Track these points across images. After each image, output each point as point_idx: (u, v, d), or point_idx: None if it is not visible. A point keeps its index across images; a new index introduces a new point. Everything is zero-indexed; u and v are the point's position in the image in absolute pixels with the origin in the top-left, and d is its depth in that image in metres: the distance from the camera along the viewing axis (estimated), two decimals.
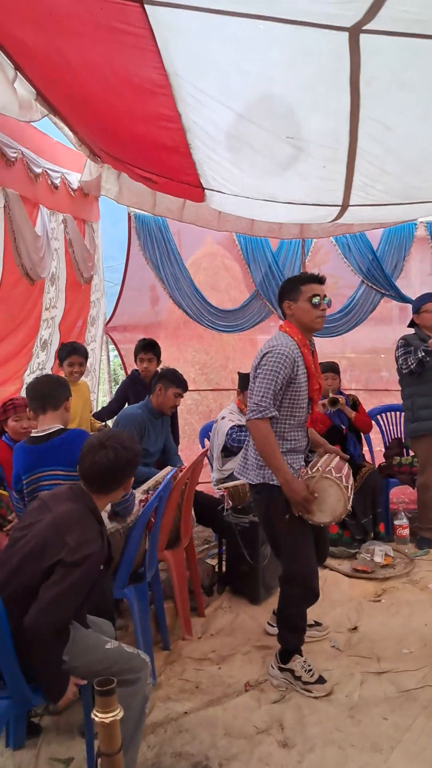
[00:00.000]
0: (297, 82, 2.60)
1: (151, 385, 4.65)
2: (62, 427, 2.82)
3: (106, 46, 2.43)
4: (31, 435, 2.80)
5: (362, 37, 2.26)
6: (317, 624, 3.69)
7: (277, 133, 2.95)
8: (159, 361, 5.22)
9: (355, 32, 2.24)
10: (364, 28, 2.20)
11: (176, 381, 4.43)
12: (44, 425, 2.79)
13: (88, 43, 2.46)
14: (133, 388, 5.28)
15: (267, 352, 3.09)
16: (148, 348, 5.17)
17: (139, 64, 2.50)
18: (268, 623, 3.76)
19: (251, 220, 5.66)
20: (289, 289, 3.21)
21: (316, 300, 3.13)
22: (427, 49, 2.31)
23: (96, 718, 1.72)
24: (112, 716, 1.72)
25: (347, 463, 3.24)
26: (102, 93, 2.85)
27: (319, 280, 3.21)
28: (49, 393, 2.83)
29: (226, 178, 3.50)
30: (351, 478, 3.18)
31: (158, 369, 5.09)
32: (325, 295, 3.18)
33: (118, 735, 1.75)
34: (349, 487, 3.05)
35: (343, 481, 3.00)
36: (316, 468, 3.05)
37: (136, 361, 5.25)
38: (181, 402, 4.57)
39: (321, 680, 3.13)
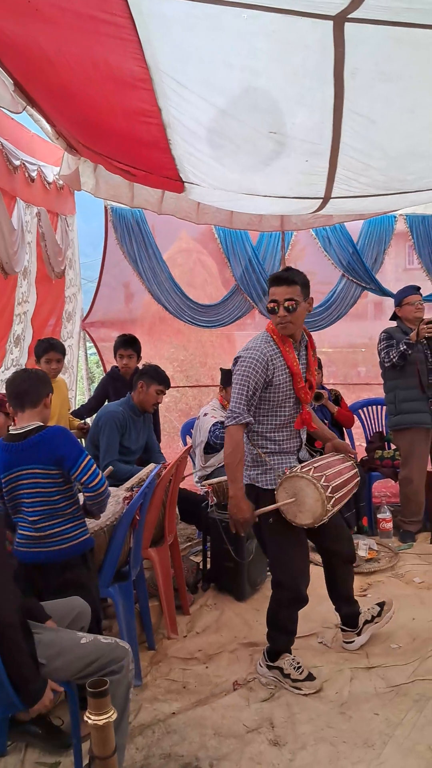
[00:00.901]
0: (281, 74, 2.57)
1: (131, 382, 4.60)
2: (41, 424, 2.76)
3: (86, 36, 2.37)
4: (10, 432, 2.73)
5: (347, 26, 2.23)
6: (381, 607, 3.51)
7: (259, 128, 2.91)
8: (139, 358, 5.16)
9: (340, 21, 2.21)
10: (350, 16, 2.17)
11: (158, 378, 4.38)
12: (23, 422, 2.73)
13: (68, 34, 2.39)
14: (112, 384, 5.21)
15: (238, 357, 3.07)
16: (128, 344, 5.11)
17: (120, 56, 2.45)
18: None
19: (230, 213, 5.61)
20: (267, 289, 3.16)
21: (272, 306, 3.03)
22: (411, 39, 2.29)
23: (89, 721, 1.68)
24: (106, 718, 1.68)
25: (353, 463, 3.18)
26: (81, 86, 2.78)
27: (279, 280, 3.04)
28: (29, 389, 2.76)
29: (207, 173, 3.46)
30: (349, 481, 3.11)
31: (138, 366, 5.04)
32: (288, 299, 2.99)
33: (112, 737, 1.71)
34: (332, 487, 2.93)
35: (321, 480, 2.89)
36: (302, 467, 3.01)
37: (115, 357, 5.18)
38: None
39: (310, 677, 3.11)
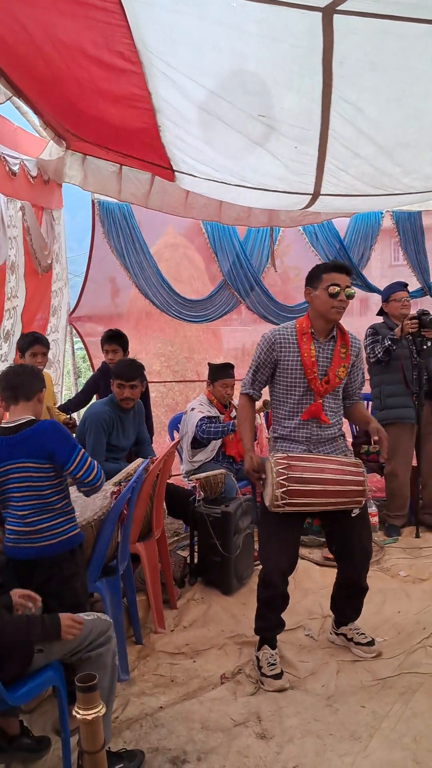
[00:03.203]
0: (270, 59, 2.56)
1: None
2: (33, 418, 2.74)
3: (75, 21, 2.34)
4: (1, 426, 2.71)
5: (336, 17, 2.23)
6: (371, 643, 3.40)
7: (249, 110, 2.90)
8: (126, 353, 5.11)
9: (328, 12, 2.21)
10: (338, 8, 2.17)
11: (115, 371, 4.25)
12: (15, 416, 2.71)
13: (56, 18, 2.37)
14: (103, 380, 5.19)
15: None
16: (114, 339, 5.07)
17: (109, 41, 2.43)
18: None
19: (219, 207, 5.59)
20: (312, 276, 3.19)
21: (334, 290, 3.07)
22: (399, 31, 2.30)
23: (78, 715, 1.67)
24: (95, 713, 1.68)
25: (363, 471, 3.12)
26: (69, 72, 2.75)
27: (344, 269, 3.16)
28: (23, 383, 2.75)
29: (197, 158, 3.43)
30: (332, 483, 3.00)
31: None
32: (348, 286, 3.10)
33: (102, 732, 1.71)
34: (293, 477, 2.93)
35: (281, 467, 2.95)
36: (279, 454, 3.07)
37: (103, 352, 5.15)
38: (139, 393, 4.29)
39: (278, 677, 3.10)
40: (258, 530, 3.30)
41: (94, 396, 5.31)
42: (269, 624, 3.24)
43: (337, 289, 3.07)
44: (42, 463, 2.67)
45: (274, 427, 3.29)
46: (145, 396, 5.09)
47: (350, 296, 3.13)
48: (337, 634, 3.47)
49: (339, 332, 3.23)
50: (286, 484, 2.94)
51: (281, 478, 2.94)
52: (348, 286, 3.11)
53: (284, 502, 2.95)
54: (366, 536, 3.26)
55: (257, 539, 3.35)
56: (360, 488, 3.07)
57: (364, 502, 3.11)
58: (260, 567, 3.21)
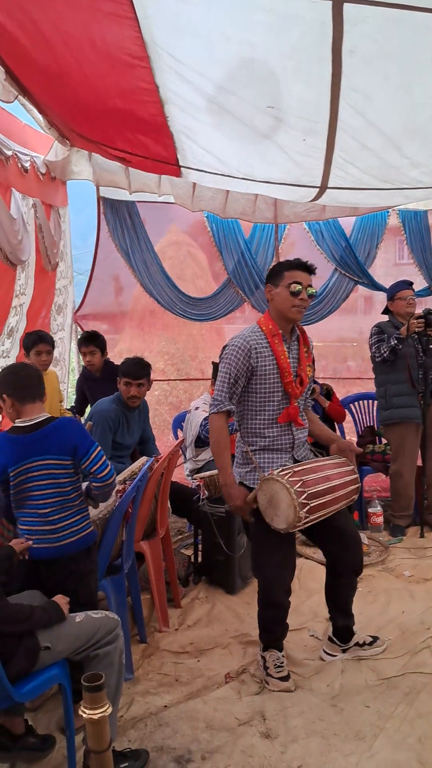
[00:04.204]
0: (278, 48, 2.55)
1: (102, 378, 4.61)
2: (50, 415, 2.77)
3: (83, 13, 2.34)
4: (16, 425, 2.72)
5: (346, 6, 2.23)
6: (375, 640, 3.35)
7: (257, 102, 2.89)
8: (104, 353, 5.09)
9: (338, 1, 2.21)
10: None
11: (123, 369, 4.25)
12: (29, 415, 2.72)
13: (66, 12, 2.36)
14: (85, 384, 5.21)
15: (224, 346, 3.09)
16: (88, 341, 5.05)
17: (117, 35, 2.42)
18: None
19: (225, 199, 5.57)
20: (274, 273, 3.10)
21: (296, 288, 2.99)
22: (410, 20, 2.29)
23: (84, 715, 1.67)
24: (101, 712, 1.67)
25: (353, 469, 3.07)
26: (78, 66, 2.75)
27: (307, 268, 3.05)
28: (35, 383, 2.79)
29: (206, 148, 3.41)
30: (339, 488, 2.93)
31: (107, 359, 5.10)
32: (310, 285, 3.02)
33: (108, 732, 1.70)
34: (309, 493, 2.78)
35: (297, 485, 2.76)
36: (282, 469, 2.90)
37: (80, 355, 5.14)
38: (145, 392, 4.30)
39: (284, 679, 3.08)
40: (255, 549, 3.14)
41: (87, 401, 5.34)
42: (275, 636, 3.19)
43: (299, 287, 2.97)
44: (64, 459, 2.69)
45: (252, 440, 3.10)
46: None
47: (312, 296, 3.04)
48: (344, 651, 3.29)
49: (300, 331, 3.18)
50: (308, 502, 2.78)
51: (302, 497, 2.75)
52: (310, 285, 3.02)
53: (306, 520, 2.80)
54: (349, 518, 3.20)
55: (251, 556, 3.19)
56: (356, 485, 3.06)
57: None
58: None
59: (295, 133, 3.13)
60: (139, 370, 4.19)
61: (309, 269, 3.06)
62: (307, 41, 2.43)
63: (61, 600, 2.45)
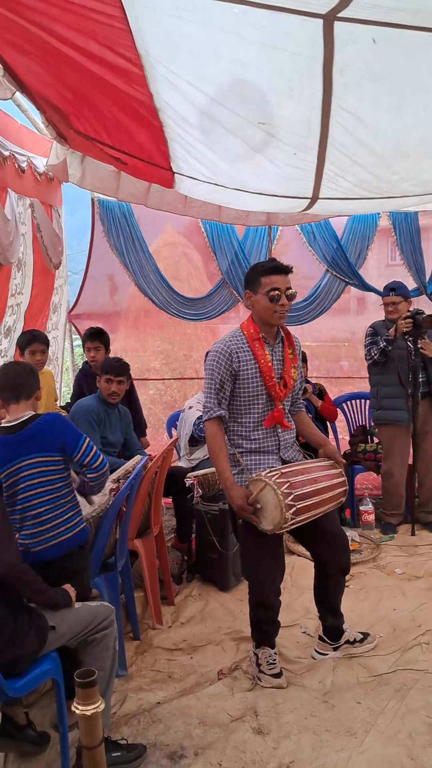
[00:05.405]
0: (270, 67, 2.56)
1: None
2: (35, 413, 2.77)
3: (78, 18, 2.36)
4: (2, 425, 2.73)
5: (336, 24, 2.25)
6: (365, 636, 3.40)
7: (249, 118, 2.91)
8: (107, 350, 5.11)
9: (329, 19, 2.22)
10: (339, 15, 2.19)
11: (104, 367, 4.30)
12: (16, 414, 2.73)
13: (62, 18, 2.38)
14: (85, 380, 5.21)
15: (207, 352, 3.10)
16: (94, 337, 5.05)
17: (111, 43, 2.44)
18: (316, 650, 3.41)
19: (218, 207, 5.59)
20: (250, 279, 3.08)
21: (274, 294, 2.96)
22: (400, 39, 2.31)
23: (77, 711, 1.69)
24: (94, 708, 1.69)
25: (341, 471, 3.10)
26: (76, 64, 2.75)
27: (283, 270, 3.01)
28: (24, 382, 2.77)
29: (198, 159, 3.43)
30: (327, 490, 2.95)
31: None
32: (288, 288, 2.99)
33: (100, 727, 1.73)
34: (296, 495, 2.79)
35: (284, 487, 2.77)
36: (270, 471, 2.91)
37: (84, 350, 5.15)
38: (124, 389, 4.37)
39: (277, 676, 3.11)
40: (243, 551, 3.14)
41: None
42: (267, 634, 3.22)
43: (278, 293, 2.95)
44: (54, 456, 2.71)
45: (238, 442, 3.10)
46: (131, 390, 5.14)
47: (291, 297, 3.01)
48: (335, 649, 3.32)
49: (284, 333, 3.18)
50: (294, 504, 2.78)
51: (288, 499, 2.76)
52: (288, 288, 2.99)
53: (292, 521, 2.81)
54: (336, 520, 3.22)
55: (241, 558, 3.22)
56: (344, 488, 3.08)
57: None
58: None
59: (285, 148, 3.14)
60: (120, 368, 4.32)
61: (284, 270, 3.03)
62: (299, 60, 2.44)
63: (69, 588, 2.57)
